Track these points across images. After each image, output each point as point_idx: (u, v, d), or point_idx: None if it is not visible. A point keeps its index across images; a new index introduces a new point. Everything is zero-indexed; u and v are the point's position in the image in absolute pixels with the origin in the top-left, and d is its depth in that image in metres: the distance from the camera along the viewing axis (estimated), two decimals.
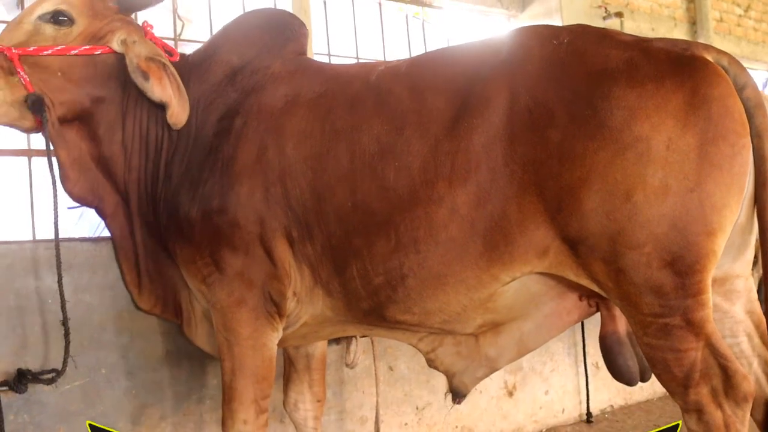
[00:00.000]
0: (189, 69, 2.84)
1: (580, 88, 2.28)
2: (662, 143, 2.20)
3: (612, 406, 4.84)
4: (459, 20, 6.10)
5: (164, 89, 2.66)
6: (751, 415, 2.33)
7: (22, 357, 2.82)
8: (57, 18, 2.71)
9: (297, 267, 2.63)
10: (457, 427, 4.01)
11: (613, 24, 6.30)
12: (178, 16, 4.44)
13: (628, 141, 2.21)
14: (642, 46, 2.34)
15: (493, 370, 2.79)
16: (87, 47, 2.70)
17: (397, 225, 2.44)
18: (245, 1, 4.63)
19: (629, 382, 2.70)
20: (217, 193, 2.60)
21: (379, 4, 5.47)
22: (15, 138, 3.22)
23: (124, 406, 3.04)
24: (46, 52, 2.65)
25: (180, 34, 4.38)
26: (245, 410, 2.63)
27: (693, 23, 7.28)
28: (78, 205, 2.90)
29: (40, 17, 2.71)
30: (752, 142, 2.28)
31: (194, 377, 3.22)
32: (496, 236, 2.36)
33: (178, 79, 2.70)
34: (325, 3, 5.15)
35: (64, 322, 2.68)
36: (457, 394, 2.83)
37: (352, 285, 2.57)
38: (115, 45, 2.73)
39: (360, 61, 4.85)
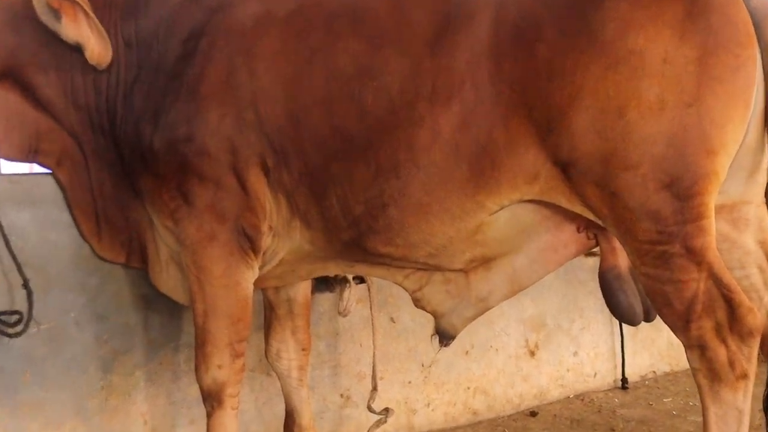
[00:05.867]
0: None
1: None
2: (658, 56, 2.41)
3: (654, 372, 5.06)
4: None
5: (79, 28, 2.90)
6: (760, 351, 2.55)
7: None
8: None
9: (273, 198, 2.90)
10: (468, 388, 4.29)
11: None
12: None
13: (622, 54, 2.43)
14: None
15: (484, 309, 3.05)
16: None
17: (376, 150, 2.70)
18: None
19: (631, 322, 2.94)
20: (183, 120, 2.86)
21: None
22: None
23: (95, 353, 3.35)
24: None
25: None
26: (219, 354, 2.91)
27: None
28: None
29: None
30: (762, 58, 2.47)
31: (171, 324, 3.52)
32: (482, 160, 2.61)
33: (94, 16, 2.91)
34: None
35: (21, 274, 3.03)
36: (445, 336, 3.11)
37: (332, 214, 2.84)
38: None
39: None
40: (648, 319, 2.91)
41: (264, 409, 3.77)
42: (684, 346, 2.56)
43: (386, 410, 3.55)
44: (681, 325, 2.51)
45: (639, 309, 2.90)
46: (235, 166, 2.85)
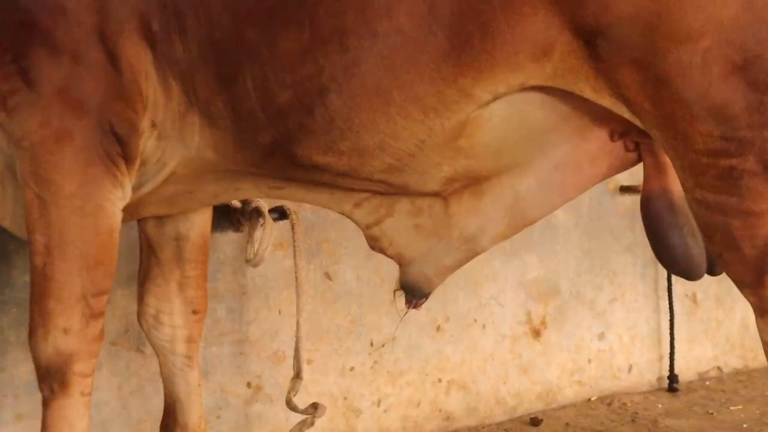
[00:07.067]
0: None
1: None
2: None
3: (720, 368, 5.13)
4: None
5: None
6: None
7: None
8: None
9: (160, 80, 2.87)
10: (439, 380, 4.31)
11: None
12: None
13: None
14: None
15: (471, 255, 3.07)
16: None
17: (313, 7, 2.67)
18: None
19: (688, 273, 2.92)
20: None
21: None
22: None
23: None
24: None
25: None
26: (67, 312, 2.88)
27: None
28: None
29: None
30: None
31: None
32: (469, 25, 2.58)
33: None
34: None
35: None
36: (414, 293, 3.12)
37: (246, 105, 2.80)
38: None
39: None
40: (713, 271, 2.88)
41: (131, 401, 3.77)
42: (755, 311, 2.54)
43: (314, 407, 3.51)
44: (750, 278, 2.49)
45: (700, 254, 2.86)
46: (103, 32, 2.84)
